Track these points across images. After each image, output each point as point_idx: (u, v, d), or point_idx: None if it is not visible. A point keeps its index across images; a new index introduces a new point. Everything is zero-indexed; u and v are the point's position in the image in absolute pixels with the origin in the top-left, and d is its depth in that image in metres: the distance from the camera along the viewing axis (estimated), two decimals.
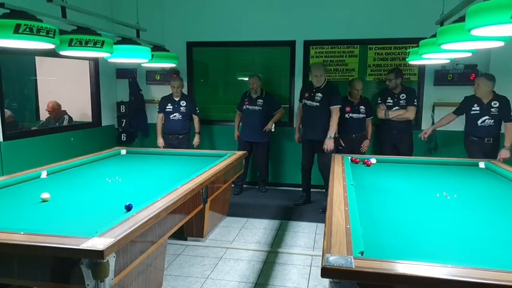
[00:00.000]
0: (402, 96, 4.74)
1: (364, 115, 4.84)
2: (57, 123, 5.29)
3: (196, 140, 5.29)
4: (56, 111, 5.36)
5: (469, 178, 3.24)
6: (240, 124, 5.39)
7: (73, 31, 2.76)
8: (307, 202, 4.95)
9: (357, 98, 4.82)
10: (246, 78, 5.89)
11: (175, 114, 5.16)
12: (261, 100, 5.18)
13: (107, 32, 3.07)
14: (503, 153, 4.12)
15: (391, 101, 4.80)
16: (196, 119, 5.29)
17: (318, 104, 4.62)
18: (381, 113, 4.82)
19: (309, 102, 4.68)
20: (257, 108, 5.17)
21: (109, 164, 3.78)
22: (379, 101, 4.90)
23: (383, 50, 5.26)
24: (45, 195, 2.55)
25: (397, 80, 4.71)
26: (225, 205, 4.37)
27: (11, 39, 2.23)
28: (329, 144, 4.49)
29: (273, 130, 5.24)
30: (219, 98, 6.10)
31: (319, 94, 4.62)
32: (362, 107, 4.83)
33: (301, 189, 5.11)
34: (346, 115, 4.79)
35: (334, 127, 4.52)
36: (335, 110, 4.56)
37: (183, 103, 5.17)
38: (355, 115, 4.81)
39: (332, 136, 4.50)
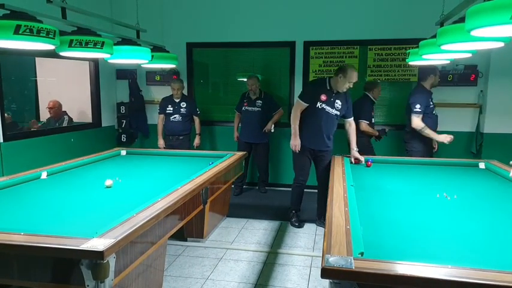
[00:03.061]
0: (433, 96, 4.37)
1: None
2: (57, 123, 5.30)
3: (197, 141, 5.30)
4: (56, 109, 5.35)
5: (469, 179, 3.24)
6: (240, 125, 5.39)
7: (73, 32, 2.76)
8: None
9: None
10: (246, 79, 5.90)
11: (175, 116, 5.16)
12: (260, 101, 5.17)
13: (107, 32, 3.07)
14: None
15: (432, 104, 4.29)
16: (197, 120, 5.29)
17: (338, 112, 3.94)
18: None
19: (328, 109, 3.89)
20: (256, 109, 5.16)
21: (109, 164, 3.78)
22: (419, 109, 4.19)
23: (383, 50, 5.26)
24: (109, 182, 2.87)
25: (435, 77, 4.27)
26: (225, 206, 4.37)
27: (11, 40, 2.23)
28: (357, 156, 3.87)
29: (272, 131, 5.22)
30: (219, 99, 6.10)
31: (339, 101, 3.92)
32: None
33: None
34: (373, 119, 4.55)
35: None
36: (353, 121, 4.08)
37: (183, 104, 5.17)
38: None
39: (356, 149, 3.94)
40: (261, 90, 5.23)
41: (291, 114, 4.01)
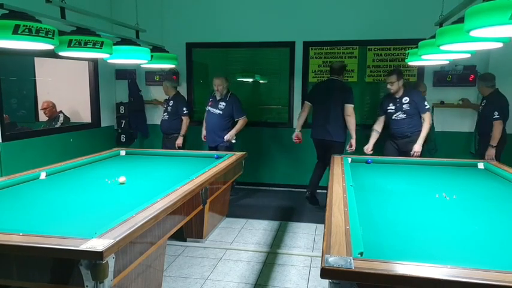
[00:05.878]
0: (405, 100, 4.27)
1: None
2: (52, 122, 5.29)
3: (178, 141, 5.06)
4: (50, 109, 5.34)
5: (468, 179, 3.24)
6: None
7: (72, 32, 2.75)
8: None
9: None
10: (246, 79, 5.90)
11: (164, 114, 5.20)
12: (223, 103, 4.79)
13: (106, 32, 3.07)
14: None
15: (393, 107, 4.34)
16: (184, 120, 5.10)
17: None
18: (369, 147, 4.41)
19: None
20: (217, 111, 4.81)
21: (108, 165, 3.77)
22: (378, 112, 4.60)
23: (382, 51, 5.26)
24: (122, 179, 2.94)
25: (399, 82, 4.24)
26: (224, 206, 4.37)
27: (10, 40, 2.23)
28: None
29: (233, 141, 4.79)
30: None
31: None
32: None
33: (298, 190, 5.16)
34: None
35: None
36: None
37: (171, 103, 5.17)
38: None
39: None
40: (228, 91, 4.87)
41: (354, 120, 4.49)
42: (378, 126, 4.49)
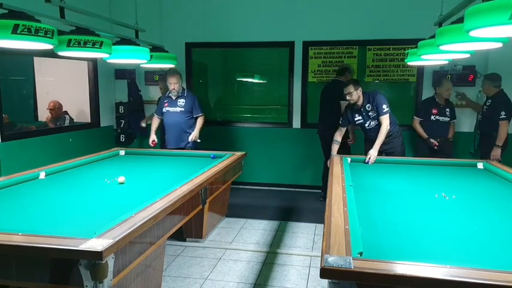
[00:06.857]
0: (368, 107, 4.07)
1: (449, 118, 4.60)
2: (57, 122, 5.29)
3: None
4: (57, 110, 5.34)
5: (467, 179, 3.24)
6: (157, 129, 4.79)
7: (71, 31, 2.75)
8: None
9: (444, 100, 4.57)
10: (245, 79, 5.89)
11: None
12: (182, 100, 4.59)
13: (106, 32, 3.07)
14: None
15: (360, 118, 4.15)
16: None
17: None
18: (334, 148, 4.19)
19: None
20: (178, 109, 4.57)
21: (108, 165, 3.77)
22: (340, 122, 4.30)
23: (382, 51, 5.27)
24: (122, 178, 2.96)
25: (357, 91, 4.01)
26: (224, 206, 4.37)
27: (9, 40, 2.23)
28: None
29: (198, 141, 4.62)
30: (218, 99, 6.10)
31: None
32: (448, 109, 4.59)
33: (297, 189, 5.17)
34: (432, 117, 4.57)
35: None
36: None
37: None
38: (441, 118, 4.57)
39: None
40: (184, 89, 4.70)
41: None
42: (339, 137, 4.24)
